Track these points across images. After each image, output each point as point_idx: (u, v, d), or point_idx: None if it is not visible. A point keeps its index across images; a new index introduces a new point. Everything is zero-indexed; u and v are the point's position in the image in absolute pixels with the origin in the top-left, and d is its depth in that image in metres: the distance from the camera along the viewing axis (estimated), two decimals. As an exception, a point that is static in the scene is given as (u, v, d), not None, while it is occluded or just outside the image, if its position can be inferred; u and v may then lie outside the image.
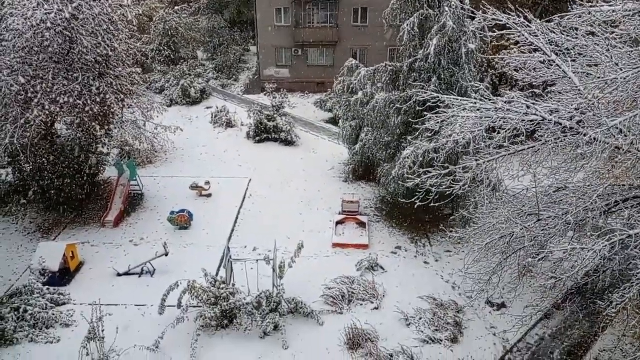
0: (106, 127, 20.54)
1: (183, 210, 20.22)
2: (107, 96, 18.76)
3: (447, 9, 17.24)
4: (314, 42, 35.26)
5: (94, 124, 19.36)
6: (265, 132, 28.13)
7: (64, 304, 15.95)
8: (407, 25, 18.09)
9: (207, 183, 22.70)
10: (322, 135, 29.67)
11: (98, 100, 18.52)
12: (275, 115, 28.43)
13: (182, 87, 33.67)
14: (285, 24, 35.08)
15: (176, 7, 40.86)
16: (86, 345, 13.28)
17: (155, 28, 37.85)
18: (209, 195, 22.54)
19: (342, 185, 23.79)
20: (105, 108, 19.01)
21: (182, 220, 19.98)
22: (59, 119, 20.38)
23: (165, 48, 38.06)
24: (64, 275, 17.11)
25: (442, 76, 17.95)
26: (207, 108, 32.84)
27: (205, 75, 38.02)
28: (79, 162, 19.95)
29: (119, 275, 17.36)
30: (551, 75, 12.22)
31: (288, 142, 28.02)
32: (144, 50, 32.63)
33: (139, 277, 17.32)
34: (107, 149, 22.31)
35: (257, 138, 28.22)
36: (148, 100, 25.29)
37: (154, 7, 39.41)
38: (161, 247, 17.72)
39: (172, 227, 20.08)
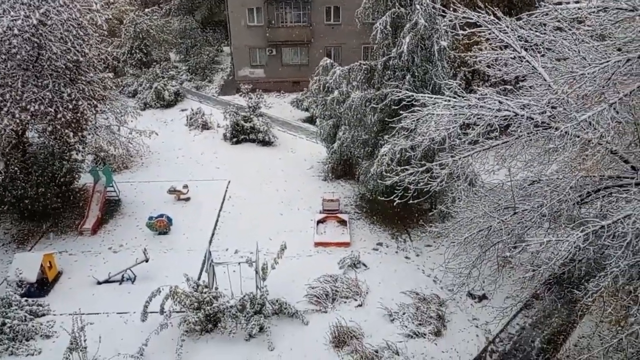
0: (79, 134, 20.17)
1: (162, 215, 20.03)
2: (79, 102, 18.45)
3: (418, 7, 17.45)
4: (287, 41, 35.22)
5: (66, 131, 19.00)
6: (242, 133, 28.02)
7: (44, 315, 15.68)
8: (380, 23, 18.28)
9: (185, 186, 22.53)
10: (300, 134, 29.72)
11: (70, 106, 18.20)
12: (251, 116, 28.34)
13: (156, 90, 33.26)
14: (258, 23, 34.95)
15: (146, 9, 40.39)
16: (68, 356, 13.07)
17: (126, 31, 37.28)
18: (188, 199, 22.37)
19: (322, 184, 23.89)
20: (78, 114, 18.70)
21: (161, 225, 19.79)
22: (30, 127, 19.97)
23: (137, 51, 37.52)
24: (42, 285, 16.80)
25: (416, 73, 18.17)
26: (182, 110, 32.54)
27: (178, 78, 37.64)
28: (52, 170, 19.56)
29: (99, 283, 17.13)
30: (522, 71, 12.51)
31: (266, 143, 27.97)
32: (115, 54, 32.21)
33: (120, 284, 17.12)
34: (82, 155, 21.96)
35: (234, 139, 28.10)
36: (121, 104, 24.99)
37: (124, 10, 38.75)
38: (141, 253, 17.54)
39: (151, 232, 19.88)
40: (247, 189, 23.30)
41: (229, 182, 23.99)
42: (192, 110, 31.06)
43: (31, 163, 19.34)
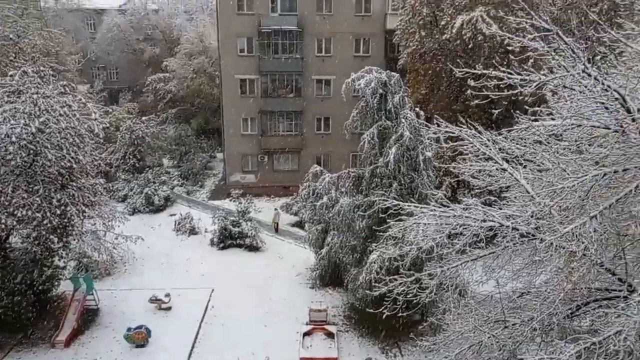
0: (64, 239, 19.89)
1: (141, 326, 19.12)
2: (68, 208, 18.42)
3: (403, 120, 18.34)
4: (279, 149, 36.47)
5: (51, 236, 18.74)
6: (230, 238, 27.83)
7: None
8: (368, 135, 19.06)
9: (167, 295, 21.80)
10: (288, 239, 29.56)
11: (58, 212, 18.14)
12: (240, 221, 28.35)
13: (146, 195, 33.56)
14: (252, 132, 36.36)
15: (144, 117, 41.99)
16: None
17: (122, 137, 38.42)
18: (169, 309, 21.51)
19: (309, 292, 23.26)
20: (65, 220, 18.57)
21: (139, 338, 18.81)
22: (14, 232, 19.71)
23: (131, 157, 38.36)
24: (4, 405, 15.52)
25: (403, 182, 18.57)
26: (171, 215, 32.55)
27: (170, 183, 38.15)
28: (31, 277, 18.96)
29: (66, 402, 15.87)
30: (505, 182, 12.79)
31: (253, 248, 27.71)
32: (109, 159, 32.87)
33: (89, 404, 15.88)
34: (64, 262, 21.42)
35: (222, 244, 27.84)
36: (110, 209, 24.90)
37: (122, 118, 40.32)
38: (115, 368, 16.49)
39: (128, 345, 18.83)
40: (231, 298, 22.55)
41: (213, 290, 23.29)
42: (181, 215, 31.11)
43: (10, 269, 18.76)
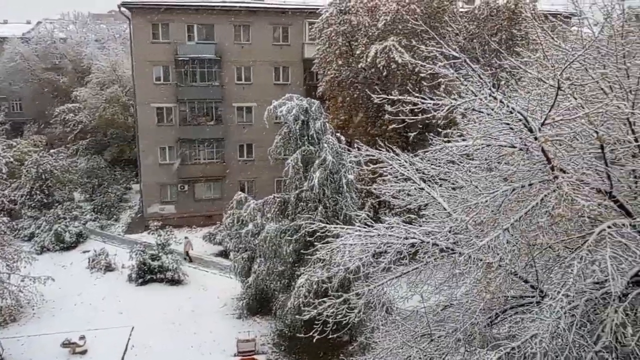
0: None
1: (53, 374, 17.61)
2: (-36, 250, 16.73)
3: (325, 145, 18.78)
4: (201, 177, 35.68)
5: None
6: (150, 273, 26.55)
7: None
8: (292, 160, 19.27)
9: (82, 338, 20.29)
10: (212, 269, 28.78)
11: (-48, 255, 16.41)
12: (160, 254, 27.17)
13: (56, 232, 31.33)
14: (170, 161, 35.28)
15: (52, 150, 39.46)
16: None
17: (27, 172, 35.74)
18: (85, 352, 20.05)
19: (236, 322, 22.66)
20: (-39, 263, 16.83)
21: (51, 386, 17.30)
22: None
23: (38, 192, 35.73)
24: None
25: (327, 205, 18.89)
26: (84, 252, 30.55)
27: (82, 218, 35.88)
28: None
29: None
30: (424, 200, 13.37)
31: (175, 281, 26.62)
32: (12, 196, 30.40)
33: None
34: (-41, 311, 19.32)
35: (140, 280, 26.49)
36: (15, 249, 22.91)
37: (27, 151, 37.61)
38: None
39: (38, 396, 17.24)
40: (153, 335, 21.42)
41: (133, 328, 22.01)
42: (95, 251, 29.30)
43: None
